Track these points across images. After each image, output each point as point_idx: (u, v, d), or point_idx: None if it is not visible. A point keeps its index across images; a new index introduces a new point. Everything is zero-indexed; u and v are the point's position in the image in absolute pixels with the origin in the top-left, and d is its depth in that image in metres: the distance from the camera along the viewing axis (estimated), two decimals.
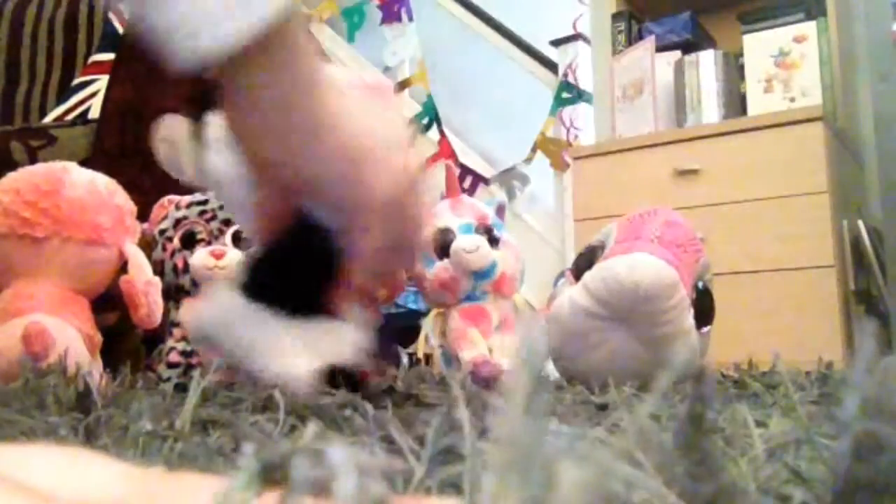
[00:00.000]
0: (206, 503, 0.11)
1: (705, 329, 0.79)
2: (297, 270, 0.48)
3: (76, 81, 1.50)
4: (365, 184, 0.44)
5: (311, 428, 0.16)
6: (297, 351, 0.46)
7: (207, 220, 0.96)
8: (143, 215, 0.95)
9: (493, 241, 0.95)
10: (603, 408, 0.48)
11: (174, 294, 0.94)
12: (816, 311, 1.57)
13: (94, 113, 1.29)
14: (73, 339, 0.76)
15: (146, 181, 0.97)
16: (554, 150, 2.69)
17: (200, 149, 0.55)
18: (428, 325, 0.98)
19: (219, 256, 0.91)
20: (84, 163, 0.89)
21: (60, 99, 1.49)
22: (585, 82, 2.64)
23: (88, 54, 1.56)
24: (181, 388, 0.58)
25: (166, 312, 0.92)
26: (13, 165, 0.86)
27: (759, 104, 1.84)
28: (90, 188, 0.85)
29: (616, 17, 2.17)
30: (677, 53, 1.99)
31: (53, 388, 0.45)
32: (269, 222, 0.47)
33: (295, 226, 0.47)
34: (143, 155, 1.10)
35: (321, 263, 0.48)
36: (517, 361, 0.11)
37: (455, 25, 3.05)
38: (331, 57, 1.58)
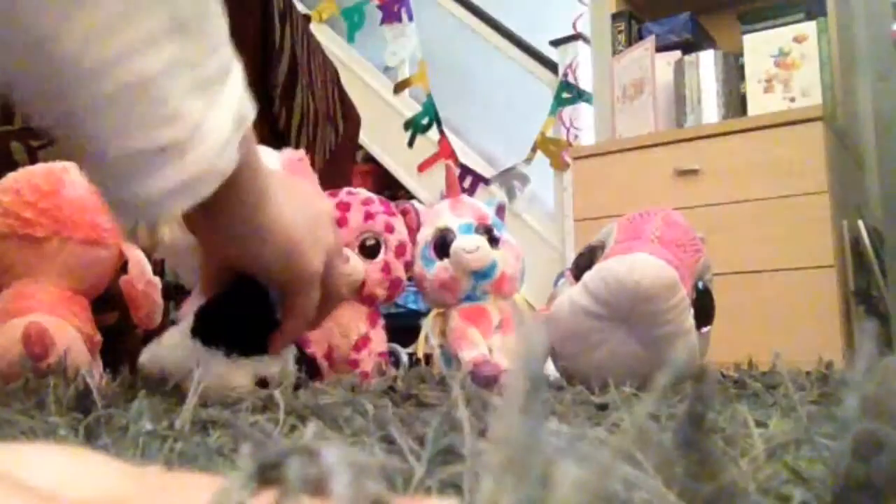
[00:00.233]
0: (205, 502, 0.11)
1: (705, 329, 0.79)
2: (237, 318, 0.60)
3: None
4: (301, 263, 0.56)
5: (311, 428, 0.16)
6: (232, 370, 0.59)
7: None
8: None
9: (493, 241, 0.95)
10: (603, 408, 0.48)
11: (174, 294, 0.94)
12: (816, 311, 1.57)
13: None
14: (73, 339, 0.76)
15: None
16: (554, 150, 2.69)
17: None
18: (428, 325, 0.98)
19: None
20: None
21: None
22: (585, 82, 2.64)
23: None
24: (181, 389, 0.58)
25: (166, 312, 0.92)
26: (13, 165, 0.86)
27: (759, 104, 1.84)
28: (90, 188, 0.84)
29: (616, 17, 2.17)
30: (677, 53, 1.99)
31: (53, 388, 0.45)
32: (214, 283, 0.60)
33: (236, 283, 0.59)
34: None
35: (258, 312, 0.61)
36: (516, 361, 0.11)
37: (455, 25, 3.05)
38: (330, 57, 1.59)
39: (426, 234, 0.96)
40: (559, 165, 2.67)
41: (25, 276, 0.80)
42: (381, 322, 0.94)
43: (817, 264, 1.59)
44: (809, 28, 1.83)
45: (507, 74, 3.00)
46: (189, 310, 0.64)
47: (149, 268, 0.86)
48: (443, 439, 0.25)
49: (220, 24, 0.44)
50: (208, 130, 0.42)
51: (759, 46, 1.87)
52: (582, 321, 0.74)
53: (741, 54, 1.90)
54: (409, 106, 3.06)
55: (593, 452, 0.10)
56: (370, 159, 3.12)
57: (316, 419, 0.38)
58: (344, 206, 0.92)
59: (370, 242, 0.91)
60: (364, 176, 3.00)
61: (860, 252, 1.67)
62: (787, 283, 1.61)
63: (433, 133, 2.97)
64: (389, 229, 0.92)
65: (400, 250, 0.93)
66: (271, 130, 1.26)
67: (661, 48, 2.01)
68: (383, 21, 3.06)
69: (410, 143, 3.00)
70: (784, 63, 1.84)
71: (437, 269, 0.93)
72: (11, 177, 0.82)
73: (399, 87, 3.07)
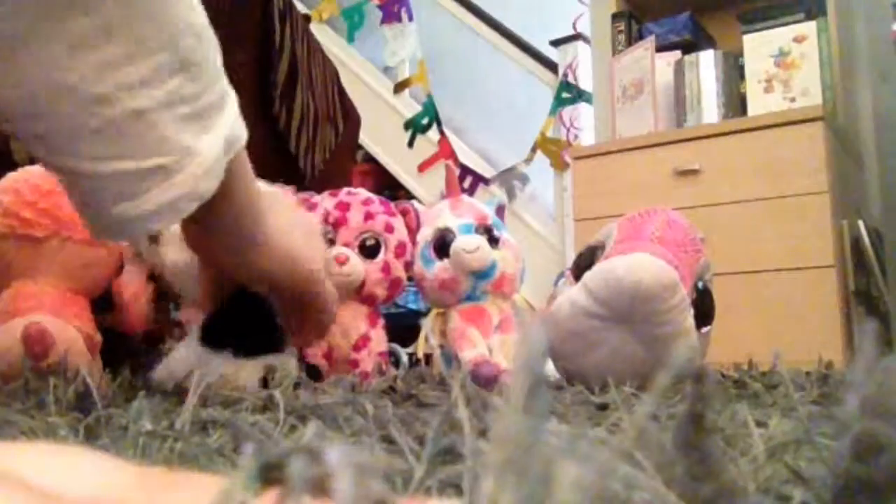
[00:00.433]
0: (207, 502, 0.11)
1: (705, 329, 0.79)
2: (241, 323, 0.65)
3: None
4: (303, 267, 0.59)
5: (311, 428, 0.16)
6: (240, 368, 0.63)
7: None
8: None
9: (493, 241, 0.95)
10: (603, 408, 0.48)
11: (176, 296, 0.94)
12: (816, 311, 1.57)
13: None
14: (73, 340, 0.76)
15: None
16: (554, 150, 2.69)
17: (156, 245, 0.77)
18: (428, 325, 0.98)
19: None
20: None
21: None
22: (585, 82, 2.64)
23: None
24: (181, 388, 0.58)
25: (167, 312, 0.92)
26: (14, 166, 0.86)
27: (759, 104, 1.84)
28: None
29: (616, 17, 2.17)
30: (677, 53, 1.99)
31: (53, 388, 0.45)
32: (216, 297, 0.64)
33: (236, 294, 0.64)
34: None
35: (260, 316, 0.65)
36: (517, 361, 0.11)
37: (455, 25, 3.05)
38: (330, 57, 1.59)
39: (426, 234, 0.96)
40: (559, 165, 2.67)
41: (25, 276, 0.80)
42: (381, 322, 0.94)
43: (817, 264, 1.59)
44: (809, 28, 1.83)
45: (507, 74, 3.00)
46: (192, 321, 0.69)
47: (144, 271, 0.86)
48: (443, 439, 0.25)
49: (216, 59, 0.45)
50: (198, 154, 0.43)
51: (759, 46, 1.87)
52: (582, 321, 0.74)
53: (741, 54, 1.90)
54: (409, 106, 3.06)
55: (593, 452, 0.10)
56: (370, 159, 3.12)
57: (316, 419, 0.38)
58: (344, 206, 0.92)
59: (370, 242, 0.91)
60: (364, 176, 3.00)
61: (860, 252, 1.67)
62: (787, 283, 1.61)
63: (433, 133, 2.97)
64: (389, 229, 0.92)
65: (400, 250, 0.93)
66: (271, 130, 1.26)
67: (661, 48, 2.01)
68: (383, 21, 3.06)
69: (410, 143, 3.00)
70: (784, 63, 1.84)
71: (437, 269, 0.93)
72: (11, 177, 0.82)
73: (399, 87, 3.07)
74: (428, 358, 1.85)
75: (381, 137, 3.01)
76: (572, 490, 0.10)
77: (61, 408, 0.42)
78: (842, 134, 1.78)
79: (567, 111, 2.71)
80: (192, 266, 0.71)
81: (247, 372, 0.63)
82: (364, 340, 0.90)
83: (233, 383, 0.60)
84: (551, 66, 2.79)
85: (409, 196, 2.86)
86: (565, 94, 2.71)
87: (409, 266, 0.95)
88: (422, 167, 2.96)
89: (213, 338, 0.64)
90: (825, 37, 1.82)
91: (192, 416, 0.36)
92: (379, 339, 0.92)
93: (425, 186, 2.93)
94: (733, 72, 1.92)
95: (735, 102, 1.91)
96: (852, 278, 1.63)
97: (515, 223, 2.57)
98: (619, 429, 0.33)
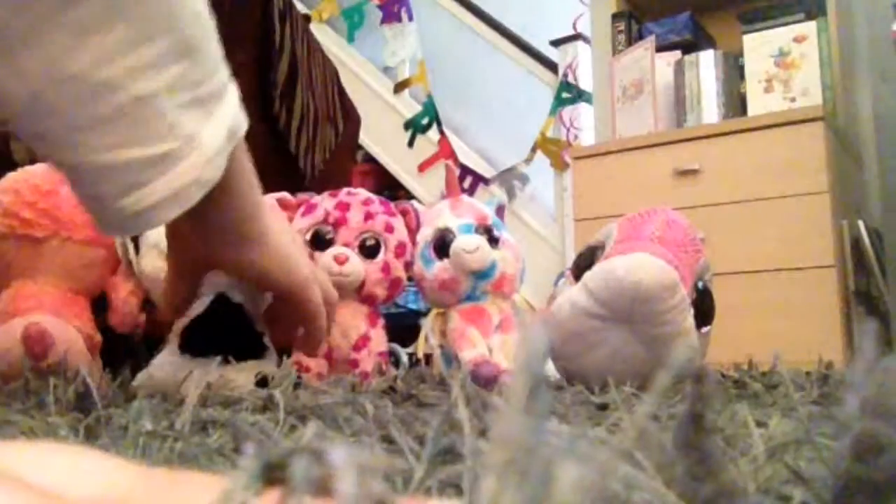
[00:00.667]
0: (208, 502, 0.11)
1: (705, 329, 0.79)
2: (221, 330, 0.66)
3: None
4: (296, 268, 0.59)
5: (311, 428, 0.16)
6: (232, 371, 0.63)
7: None
8: None
9: (493, 241, 0.95)
10: (603, 408, 0.48)
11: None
12: (816, 311, 1.57)
13: None
14: (73, 340, 0.76)
15: None
16: (554, 150, 2.69)
17: (135, 254, 0.80)
18: (428, 325, 0.98)
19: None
20: None
21: None
22: (585, 82, 2.64)
23: None
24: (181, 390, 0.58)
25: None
26: (14, 166, 0.86)
27: (759, 104, 1.84)
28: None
29: (616, 17, 2.17)
30: (677, 53, 1.99)
31: (53, 389, 0.45)
32: (189, 298, 0.65)
33: (213, 302, 0.65)
34: None
35: (239, 323, 0.67)
36: (517, 362, 0.11)
37: (455, 25, 3.05)
38: (330, 57, 1.59)
39: (426, 234, 0.96)
40: (559, 165, 2.67)
41: (25, 276, 0.80)
42: (381, 322, 0.94)
43: (817, 264, 1.59)
44: (809, 28, 1.83)
45: (507, 74, 3.00)
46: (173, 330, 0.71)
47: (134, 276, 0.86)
48: (443, 439, 0.25)
49: (217, 47, 0.45)
50: (201, 141, 0.43)
51: (759, 46, 1.87)
52: (582, 321, 0.74)
53: (741, 54, 1.90)
54: (409, 106, 3.06)
55: (594, 452, 0.10)
56: (370, 159, 3.12)
57: (316, 419, 0.38)
58: (344, 206, 0.92)
59: (370, 242, 0.91)
60: (364, 176, 3.00)
61: (860, 252, 1.67)
62: (787, 283, 1.61)
63: (433, 133, 2.97)
64: (389, 229, 0.92)
65: (400, 250, 0.93)
66: (271, 130, 1.26)
67: (661, 48, 2.01)
68: (383, 21, 3.06)
69: (410, 143, 3.00)
70: (784, 63, 1.84)
71: (437, 269, 0.93)
72: (11, 177, 0.82)
73: (399, 87, 3.07)
74: (428, 358, 1.85)
75: (381, 137, 3.01)
76: (573, 491, 0.10)
77: (61, 408, 0.42)
78: (842, 134, 1.78)
79: (567, 111, 2.71)
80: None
81: (231, 378, 0.63)
82: (364, 340, 0.90)
83: (228, 384, 0.60)
84: (551, 66, 2.78)
85: (409, 196, 2.86)
86: (565, 94, 2.71)
87: (409, 266, 0.95)
88: (422, 167, 2.96)
89: (193, 345, 0.65)
90: (825, 37, 1.82)
91: (192, 416, 0.36)
92: (379, 339, 0.92)
93: (425, 186, 2.93)
94: (733, 72, 1.92)
95: (735, 102, 1.91)
96: (852, 278, 1.63)
97: (515, 223, 2.57)
98: (619, 429, 0.33)
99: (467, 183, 2.83)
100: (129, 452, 0.30)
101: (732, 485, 0.17)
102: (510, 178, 2.78)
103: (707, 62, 1.91)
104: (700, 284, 0.79)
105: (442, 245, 0.94)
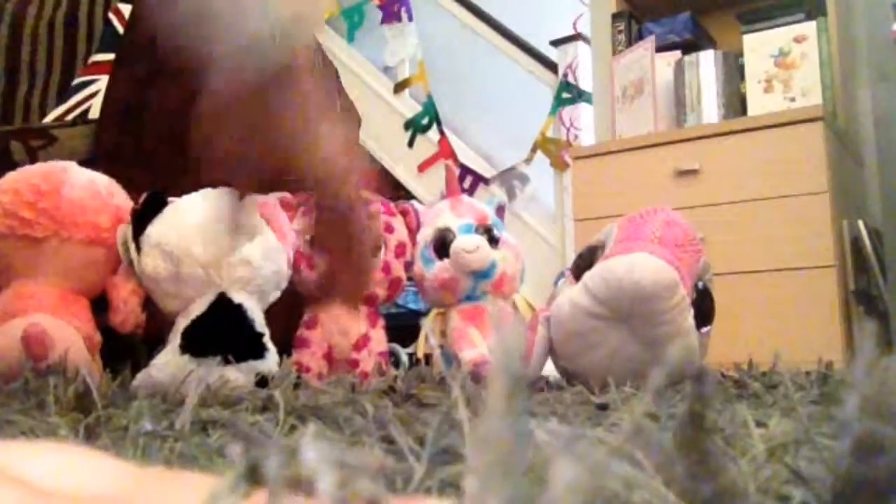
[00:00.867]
0: (200, 502, 0.11)
1: (705, 329, 0.79)
2: (222, 331, 0.69)
3: (76, 81, 1.50)
4: (347, 174, 0.56)
5: (311, 428, 0.16)
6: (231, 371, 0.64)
7: None
8: None
9: (493, 241, 0.95)
10: (603, 408, 0.48)
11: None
12: (816, 311, 1.57)
13: (94, 113, 1.29)
14: (73, 340, 0.76)
15: (146, 181, 0.97)
16: (554, 150, 2.69)
17: (137, 254, 0.79)
18: (428, 325, 0.98)
19: None
20: (84, 163, 0.89)
21: (60, 99, 1.49)
22: (585, 82, 2.64)
23: (88, 54, 1.56)
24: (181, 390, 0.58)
25: (167, 313, 0.92)
26: (13, 165, 0.86)
27: (759, 104, 1.84)
28: (90, 188, 0.85)
29: (616, 17, 2.17)
30: (677, 53, 1.99)
31: (53, 389, 0.45)
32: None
33: (214, 304, 0.68)
34: (143, 155, 1.10)
35: (238, 327, 0.68)
36: (494, 363, 0.11)
37: (455, 25, 3.04)
38: (330, 57, 1.59)
39: (426, 234, 0.96)
40: (559, 165, 2.67)
41: (25, 275, 0.80)
42: (381, 322, 0.94)
43: (817, 264, 1.59)
44: (809, 28, 1.83)
45: (507, 74, 3.00)
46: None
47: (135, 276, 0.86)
48: (443, 439, 0.25)
49: None
50: None
51: (759, 46, 1.86)
52: (582, 321, 0.74)
53: (741, 54, 1.90)
54: (409, 106, 3.06)
55: (590, 451, 0.10)
56: (370, 159, 3.12)
57: (316, 419, 0.38)
58: None
59: None
60: None
61: (860, 252, 1.67)
62: (787, 283, 1.61)
63: (433, 133, 2.97)
64: (389, 229, 0.92)
65: (400, 250, 0.93)
66: None
67: (661, 48, 2.00)
68: (383, 21, 3.06)
69: (410, 143, 3.00)
70: (784, 63, 1.84)
71: (437, 269, 0.93)
72: (11, 177, 0.82)
73: (399, 87, 3.07)
74: (428, 358, 1.85)
75: (381, 137, 3.01)
76: (565, 490, 0.10)
77: (61, 408, 0.42)
78: (842, 134, 1.78)
79: (567, 111, 2.71)
80: (172, 277, 0.74)
81: (231, 378, 0.63)
82: (364, 340, 0.90)
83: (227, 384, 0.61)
84: (551, 66, 2.78)
85: (409, 196, 2.86)
86: (565, 94, 2.70)
87: (409, 266, 0.95)
88: (422, 167, 2.96)
89: (193, 345, 0.66)
90: (825, 37, 1.82)
91: (192, 416, 0.36)
92: (379, 339, 0.92)
93: (425, 186, 2.93)
94: (733, 72, 1.92)
95: (735, 102, 1.91)
96: (852, 278, 1.63)
97: (515, 223, 2.57)
98: (618, 429, 0.33)
99: (467, 183, 2.82)
100: (129, 452, 0.30)
101: (732, 485, 0.17)
102: (510, 178, 2.78)
103: (707, 62, 1.91)
104: (700, 284, 0.79)
105: (442, 245, 0.94)
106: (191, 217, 0.79)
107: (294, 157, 0.56)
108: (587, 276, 0.74)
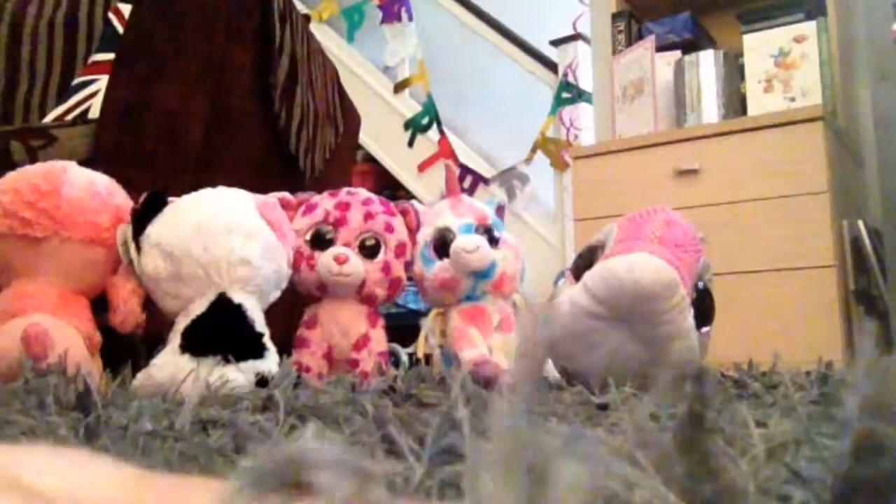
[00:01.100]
0: None
1: (705, 329, 0.79)
2: (221, 331, 0.70)
3: (76, 81, 1.50)
4: None
5: (311, 428, 0.16)
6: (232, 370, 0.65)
7: None
8: None
9: (493, 241, 0.95)
10: (603, 408, 0.48)
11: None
12: (816, 311, 1.57)
13: (94, 113, 1.29)
14: (73, 340, 0.76)
15: (146, 181, 0.97)
16: (554, 150, 2.69)
17: (137, 254, 0.79)
18: (428, 325, 0.98)
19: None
20: (84, 163, 0.89)
21: (60, 99, 1.49)
22: (585, 82, 2.64)
23: (88, 54, 1.56)
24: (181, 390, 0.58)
25: (167, 313, 0.92)
26: (13, 165, 0.86)
27: (759, 104, 1.84)
28: (89, 188, 0.85)
29: (616, 17, 2.17)
30: (677, 53, 1.99)
31: (53, 388, 0.45)
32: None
33: (214, 304, 0.68)
34: (143, 155, 1.10)
35: (238, 327, 0.70)
36: (516, 359, 0.11)
37: (455, 25, 3.04)
38: (330, 57, 1.59)
39: (426, 234, 0.96)
40: (559, 165, 2.67)
41: (25, 275, 0.80)
42: (381, 322, 0.94)
43: (817, 264, 1.59)
44: (809, 28, 1.83)
45: (507, 74, 3.00)
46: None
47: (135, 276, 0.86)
48: (443, 439, 0.24)
49: None
50: None
51: (759, 46, 1.86)
52: (582, 321, 0.74)
53: (741, 54, 1.90)
54: (409, 106, 3.06)
55: (592, 451, 0.10)
56: (370, 159, 3.12)
57: (316, 419, 0.38)
58: (344, 206, 0.92)
59: (370, 242, 0.91)
60: (364, 176, 3.00)
61: (860, 252, 1.67)
62: (787, 283, 1.61)
63: (433, 133, 2.97)
64: (389, 229, 0.92)
65: (400, 250, 0.93)
66: (271, 130, 1.26)
67: (661, 48, 2.00)
68: (383, 21, 3.06)
69: (410, 143, 3.00)
70: (784, 63, 1.84)
71: (437, 269, 0.93)
72: (11, 177, 0.82)
73: (399, 87, 3.07)
74: (428, 358, 1.85)
75: (381, 137, 3.01)
76: (568, 490, 0.10)
77: (61, 408, 0.42)
78: (842, 134, 1.78)
79: (567, 111, 2.71)
80: (171, 277, 0.74)
81: (231, 378, 0.63)
82: (364, 340, 0.90)
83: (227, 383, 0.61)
84: (551, 66, 2.78)
85: (409, 196, 2.86)
86: (565, 94, 2.70)
87: (409, 266, 0.95)
88: (422, 167, 2.96)
89: (193, 345, 0.66)
90: (825, 37, 1.82)
91: (192, 416, 0.36)
92: (379, 339, 0.92)
93: (425, 186, 2.93)
94: (733, 72, 1.92)
95: (735, 102, 1.91)
96: (852, 278, 1.63)
97: (515, 223, 2.57)
98: (619, 429, 0.33)
99: (467, 183, 2.82)
100: (129, 452, 0.30)
101: (732, 485, 0.17)
102: (510, 178, 2.78)
103: (707, 62, 1.91)
104: (700, 284, 0.79)
105: (442, 245, 0.94)
106: (191, 217, 0.79)
107: None
108: (587, 275, 0.74)
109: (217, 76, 1.13)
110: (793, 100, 1.82)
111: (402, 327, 1.61)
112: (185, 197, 0.83)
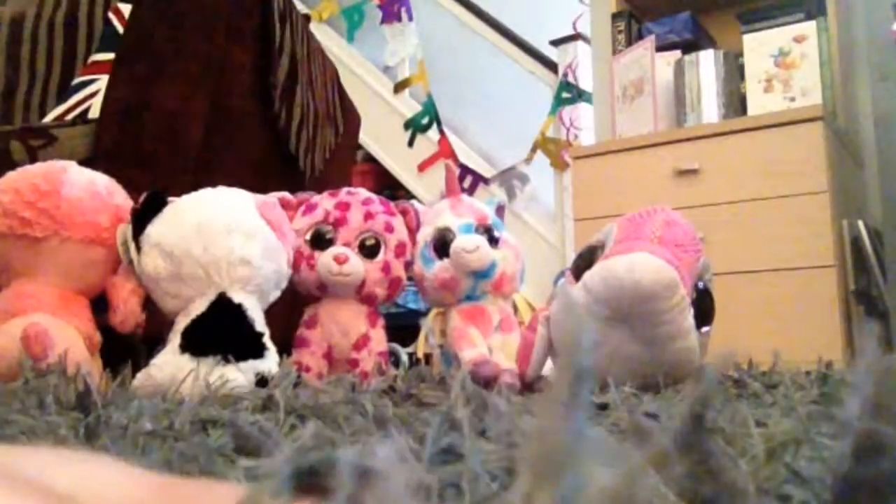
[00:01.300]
0: None
1: (705, 329, 0.78)
2: (221, 331, 0.70)
3: (76, 81, 1.50)
4: None
5: (311, 427, 0.16)
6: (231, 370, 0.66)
7: None
8: None
9: (493, 241, 0.95)
10: (603, 408, 0.48)
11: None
12: (816, 311, 1.57)
13: (94, 113, 1.29)
14: (73, 339, 0.76)
15: (146, 181, 0.97)
16: (554, 150, 2.69)
17: (137, 253, 0.79)
18: (428, 325, 0.98)
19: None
20: (84, 163, 0.89)
21: (60, 99, 1.49)
22: (585, 82, 2.64)
23: (88, 54, 1.56)
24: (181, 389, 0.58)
25: (167, 313, 0.92)
26: (13, 165, 0.86)
27: (759, 104, 1.84)
28: (89, 188, 0.85)
29: (616, 17, 2.17)
30: (677, 53, 1.99)
31: (53, 388, 0.45)
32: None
33: (213, 304, 0.69)
34: (143, 155, 1.10)
35: (238, 327, 0.70)
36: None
37: (455, 25, 3.04)
38: (330, 57, 1.59)
39: (426, 234, 0.96)
40: (559, 165, 2.67)
41: (24, 275, 0.80)
42: (381, 322, 0.94)
43: (817, 264, 1.59)
44: (809, 28, 1.83)
45: (507, 74, 3.00)
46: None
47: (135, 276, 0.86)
48: (443, 439, 0.24)
49: None
50: None
51: (759, 46, 1.86)
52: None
53: (741, 54, 1.90)
54: (409, 106, 3.06)
55: (625, 459, 0.10)
56: (370, 159, 3.12)
57: (316, 419, 0.38)
58: (344, 206, 0.92)
59: (370, 242, 0.91)
60: (364, 176, 3.00)
61: (860, 252, 1.67)
62: (787, 283, 1.61)
63: (433, 133, 2.96)
64: (389, 229, 0.92)
65: (400, 250, 0.93)
66: (271, 130, 1.26)
67: (661, 48, 2.00)
68: (383, 21, 3.06)
69: (410, 143, 3.00)
70: (784, 63, 1.84)
71: (437, 269, 0.93)
72: (11, 177, 0.82)
73: (399, 87, 3.07)
74: (428, 358, 1.85)
75: (381, 137, 3.01)
76: (601, 496, 0.10)
77: (61, 407, 0.42)
78: (842, 134, 1.78)
79: (567, 111, 2.71)
80: (171, 277, 0.74)
81: (230, 378, 0.63)
82: (364, 340, 0.90)
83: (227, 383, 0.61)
84: (551, 66, 2.78)
85: (409, 196, 2.86)
86: (565, 94, 2.70)
87: (408, 266, 0.95)
88: (422, 167, 2.96)
89: (193, 345, 0.66)
90: (825, 37, 1.82)
91: (192, 416, 0.36)
92: (379, 339, 0.92)
93: (425, 186, 2.93)
94: (733, 72, 1.92)
95: (735, 102, 1.91)
96: (852, 278, 1.63)
97: (515, 223, 2.57)
98: (619, 429, 0.33)
99: (467, 183, 2.82)
100: (129, 452, 0.30)
101: (732, 485, 0.17)
102: (510, 178, 2.78)
103: (707, 62, 1.91)
104: (700, 284, 0.79)
105: (442, 245, 0.94)
106: (191, 217, 0.79)
107: None
108: (587, 275, 0.74)
109: (217, 76, 1.13)
110: (793, 100, 1.82)
111: (402, 327, 1.62)
112: (185, 197, 0.83)
